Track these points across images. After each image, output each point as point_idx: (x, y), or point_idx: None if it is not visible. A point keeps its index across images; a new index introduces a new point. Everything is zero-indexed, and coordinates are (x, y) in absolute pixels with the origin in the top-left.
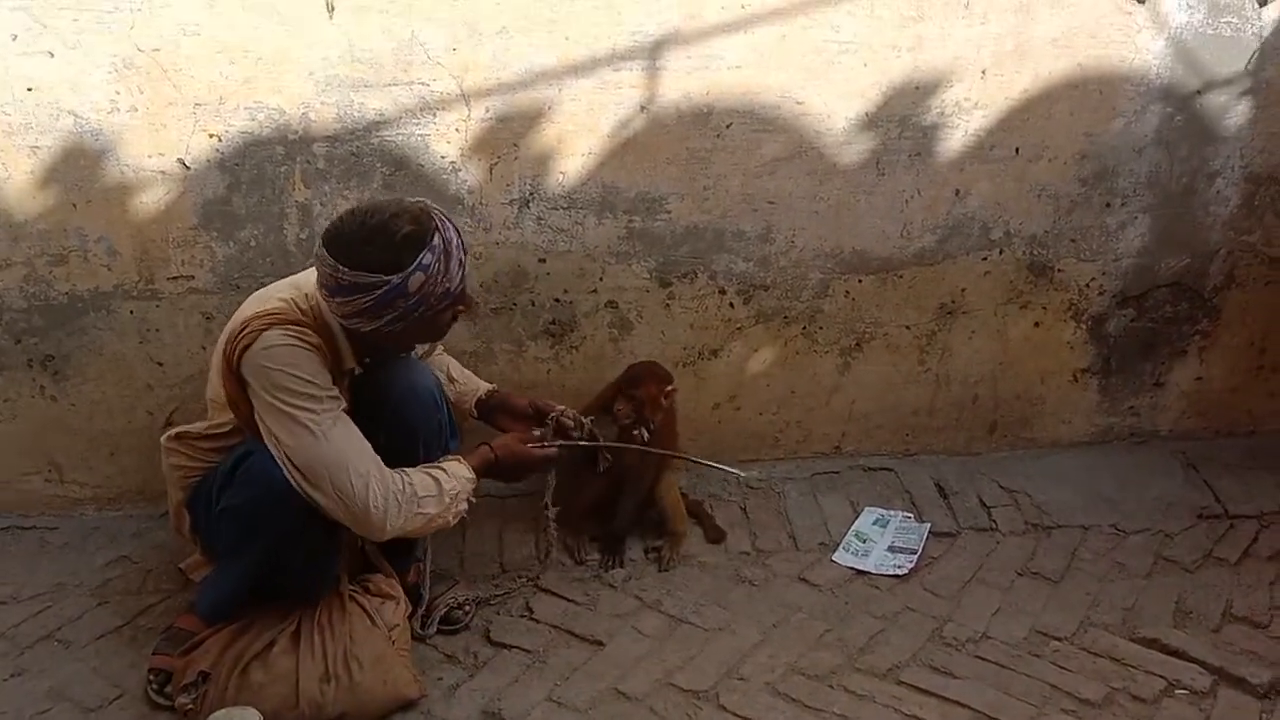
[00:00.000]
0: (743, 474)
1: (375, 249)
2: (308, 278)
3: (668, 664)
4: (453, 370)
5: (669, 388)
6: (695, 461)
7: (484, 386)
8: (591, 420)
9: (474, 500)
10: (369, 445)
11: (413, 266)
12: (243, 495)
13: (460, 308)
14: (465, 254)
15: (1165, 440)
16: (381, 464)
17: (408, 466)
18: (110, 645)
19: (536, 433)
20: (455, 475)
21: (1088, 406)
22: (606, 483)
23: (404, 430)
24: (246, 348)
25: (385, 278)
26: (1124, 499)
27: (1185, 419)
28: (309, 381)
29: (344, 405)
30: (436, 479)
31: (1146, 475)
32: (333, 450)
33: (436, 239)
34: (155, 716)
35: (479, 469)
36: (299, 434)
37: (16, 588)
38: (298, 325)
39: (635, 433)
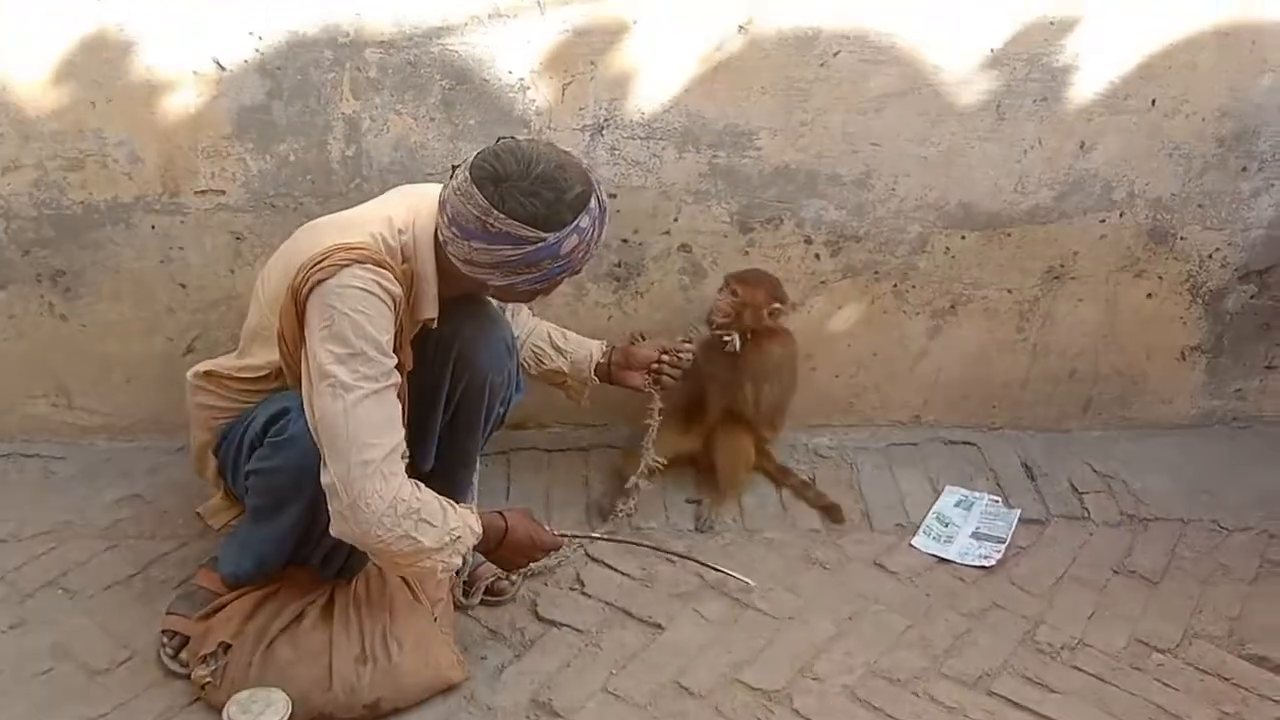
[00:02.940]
0: (753, 584)
1: (540, 202)
2: (400, 207)
3: (734, 656)
4: (556, 338)
5: (776, 304)
6: (702, 563)
7: (596, 346)
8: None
9: (468, 560)
10: (399, 437)
11: (570, 228)
12: (276, 460)
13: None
14: (608, 219)
15: (1269, 426)
16: (400, 466)
17: (471, 413)
18: (119, 597)
19: (549, 526)
20: (464, 519)
21: (1192, 387)
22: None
23: (471, 373)
24: (321, 281)
25: (543, 234)
26: (1225, 491)
27: None
28: (369, 338)
29: (395, 381)
30: (445, 511)
31: (1249, 465)
32: (351, 424)
33: (594, 202)
34: (169, 685)
35: (487, 530)
36: (325, 395)
37: (19, 525)
38: (383, 268)
39: (726, 339)
